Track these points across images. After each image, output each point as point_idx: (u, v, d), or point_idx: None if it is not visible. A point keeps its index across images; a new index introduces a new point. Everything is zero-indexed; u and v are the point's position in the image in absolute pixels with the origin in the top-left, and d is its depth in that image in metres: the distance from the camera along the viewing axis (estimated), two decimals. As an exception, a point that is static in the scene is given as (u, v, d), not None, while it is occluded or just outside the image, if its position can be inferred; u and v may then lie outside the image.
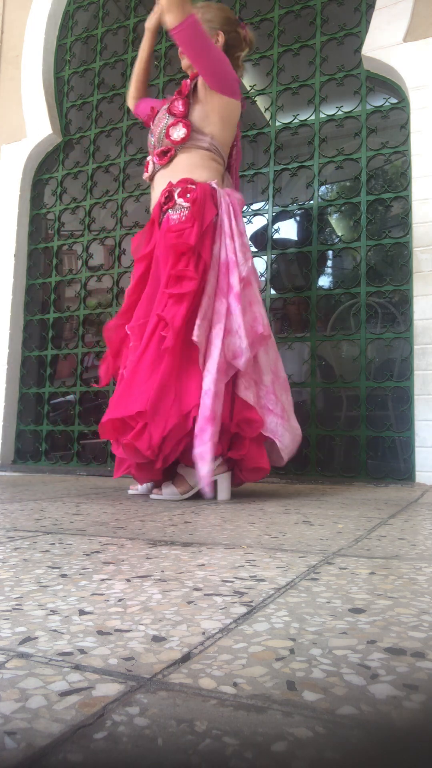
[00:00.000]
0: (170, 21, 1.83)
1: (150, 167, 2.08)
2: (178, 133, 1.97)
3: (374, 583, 0.74)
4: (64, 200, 3.45)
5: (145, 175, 2.11)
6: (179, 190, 1.92)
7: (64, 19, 3.60)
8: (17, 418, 3.33)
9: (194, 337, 1.76)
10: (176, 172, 1.98)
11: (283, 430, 1.92)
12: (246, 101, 2.16)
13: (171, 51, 3.20)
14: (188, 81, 2.01)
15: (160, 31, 2.92)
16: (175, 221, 1.89)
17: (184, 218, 1.87)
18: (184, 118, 1.97)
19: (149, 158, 2.09)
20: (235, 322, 1.83)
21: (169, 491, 1.84)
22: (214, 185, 1.95)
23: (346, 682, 0.44)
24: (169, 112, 2.00)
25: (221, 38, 2.05)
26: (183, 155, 1.99)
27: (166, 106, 2.03)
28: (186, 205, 1.89)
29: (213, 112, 1.99)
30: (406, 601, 0.66)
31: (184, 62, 2.08)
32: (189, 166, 1.98)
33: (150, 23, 2.24)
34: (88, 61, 3.52)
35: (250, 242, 2.53)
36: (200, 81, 1.98)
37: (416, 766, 0.34)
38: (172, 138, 1.98)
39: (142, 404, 1.71)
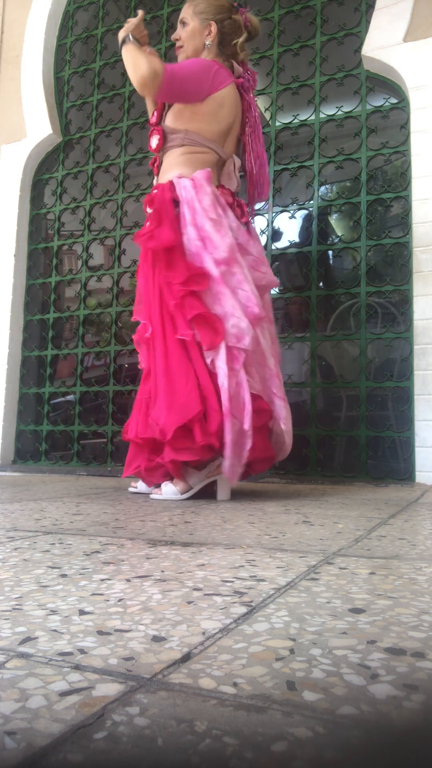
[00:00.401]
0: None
1: (152, 142, 2.09)
2: (154, 141, 2.04)
3: (374, 583, 0.74)
4: (64, 200, 3.45)
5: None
6: (147, 199, 1.98)
7: (64, 19, 3.60)
8: (17, 418, 3.33)
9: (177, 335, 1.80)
10: (162, 178, 2.01)
11: (286, 413, 1.94)
12: (245, 74, 2.12)
13: (170, 51, 3.20)
14: None
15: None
16: (145, 227, 1.91)
17: (148, 223, 1.90)
18: (157, 125, 2.04)
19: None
20: (228, 305, 1.81)
21: (169, 490, 1.84)
22: (175, 180, 1.93)
23: (346, 682, 0.44)
24: (149, 123, 2.10)
25: (213, 29, 2.03)
26: (165, 159, 2.03)
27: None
28: (149, 210, 1.93)
29: (185, 108, 1.98)
30: (406, 601, 0.66)
31: (179, 57, 2.09)
32: (170, 167, 1.99)
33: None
34: (88, 61, 3.52)
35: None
36: None
37: (416, 766, 0.34)
38: (152, 148, 2.05)
39: (196, 406, 1.73)
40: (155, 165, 2.09)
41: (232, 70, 2.07)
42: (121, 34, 1.92)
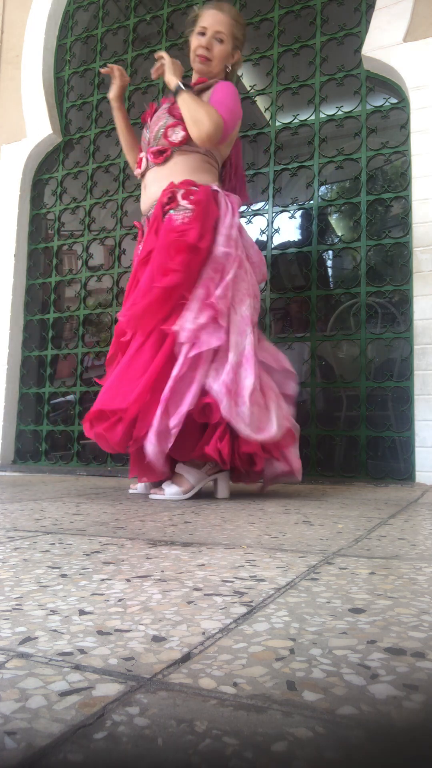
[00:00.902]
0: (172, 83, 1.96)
1: (143, 163, 2.07)
2: (177, 135, 1.97)
3: (374, 583, 0.74)
4: (64, 200, 3.45)
5: (137, 171, 2.12)
6: (182, 191, 1.92)
7: (64, 19, 3.60)
8: (17, 418, 3.33)
9: (174, 327, 1.78)
10: (175, 173, 1.97)
11: (235, 415, 1.77)
12: (246, 103, 2.18)
13: (170, 51, 3.20)
14: (197, 84, 2.05)
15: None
16: (178, 222, 1.89)
17: (187, 220, 1.88)
18: (183, 120, 1.95)
19: (142, 154, 2.08)
20: (193, 308, 1.82)
21: (172, 491, 1.84)
22: (216, 187, 1.97)
23: (346, 682, 0.44)
24: (170, 112, 2.00)
25: (238, 57, 2.11)
26: (180, 157, 1.98)
27: (166, 105, 2.02)
28: (189, 207, 1.89)
29: None
30: (406, 601, 0.66)
31: (198, 66, 2.07)
32: (189, 169, 1.98)
33: (112, 94, 2.27)
34: (88, 61, 3.52)
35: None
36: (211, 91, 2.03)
37: (416, 766, 0.34)
38: (170, 139, 1.98)
39: (125, 402, 1.74)
40: (162, 155, 1.99)
41: None
42: (171, 82, 1.97)
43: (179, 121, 1.96)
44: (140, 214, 2.15)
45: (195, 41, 2.04)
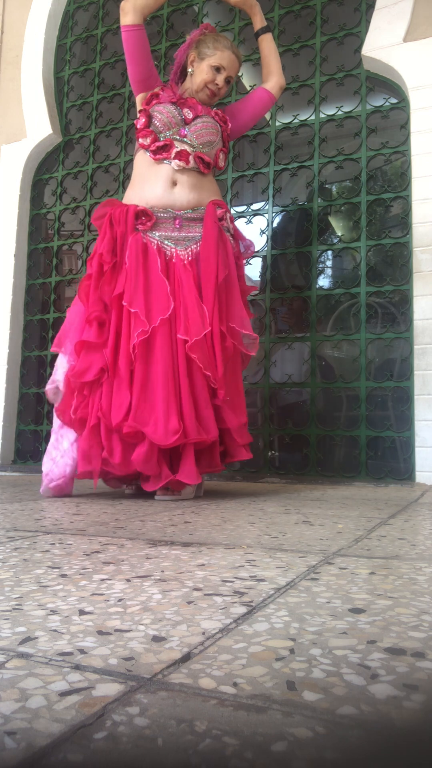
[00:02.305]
0: None
1: (190, 162, 2.00)
2: (222, 162, 2.13)
3: (374, 583, 0.74)
4: (64, 200, 3.45)
5: (179, 164, 2.00)
6: (229, 214, 2.08)
7: (64, 19, 3.60)
8: (17, 418, 3.33)
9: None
10: (212, 191, 2.09)
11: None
12: None
13: (171, 51, 3.20)
14: (227, 119, 2.16)
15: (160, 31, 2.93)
16: (233, 246, 2.06)
17: (240, 254, 2.10)
18: (226, 146, 2.14)
19: (186, 148, 2.00)
20: None
21: (188, 490, 1.86)
22: (231, 215, 2.13)
23: (346, 682, 0.44)
24: (223, 136, 2.11)
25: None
26: (211, 177, 2.12)
27: (215, 123, 2.07)
28: (231, 231, 2.07)
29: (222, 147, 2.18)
30: (406, 601, 0.66)
31: (204, 97, 2.12)
32: (216, 194, 2.12)
33: None
34: (88, 61, 3.52)
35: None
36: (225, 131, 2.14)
37: (416, 766, 0.34)
38: (219, 162, 2.11)
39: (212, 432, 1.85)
40: (208, 167, 2.04)
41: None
42: (263, 20, 2.22)
43: (226, 151, 2.14)
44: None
45: (209, 74, 2.07)
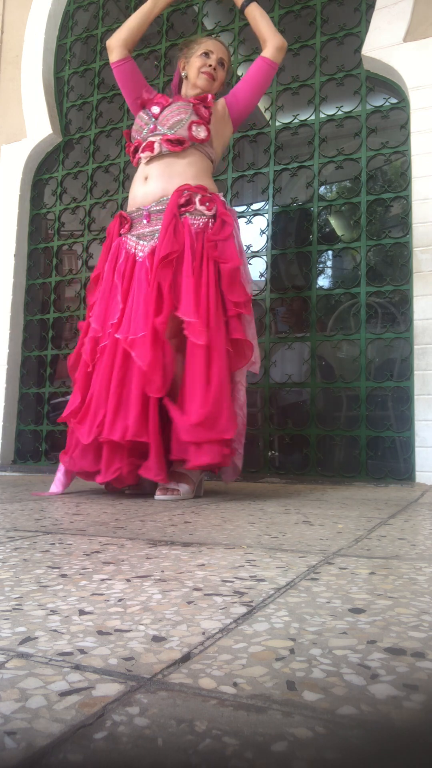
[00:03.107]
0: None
1: (156, 148, 2.00)
2: (201, 133, 2.02)
3: (374, 583, 0.74)
4: (64, 200, 3.45)
5: (147, 155, 2.02)
6: (200, 196, 1.96)
7: (64, 19, 3.60)
8: (17, 418, 3.33)
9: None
10: (188, 171, 2.00)
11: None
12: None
13: (171, 51, 3.20)
14: (210, 97, 2.11)
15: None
16: (198, 227, 1.94)
17: (218, 232, 1.94)
18: (207, 124, 2.05)
19: (154, 139, 2.01)
20: (250, 334, 2.02)
21: (185, 489, 1.85)
22: (223, 198, 2.04)
23: (346, 682, 0.44)
24: (196, 111, 2.04)
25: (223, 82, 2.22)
26: (196, 156, 2.03)
27: (188, 103, 2.06)
28: (207, 213, 1.95)
29: (218, 138, 2.11)
30: (406, 601, 0.66)
31: (203, 83, 2.13)
32: (201, 171, 2.03)
33: None
34: (88, 61, 3.52)
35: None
36: (220, 105, 2.11)
37: (416, 766, 0.34)
38: (192, 133, 2.01)
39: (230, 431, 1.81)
40: (181, 145, 2.00)
41: None
42: None
43: (204, 122, 2.03)
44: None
45: (199, 61, 2.12)
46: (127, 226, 2.04)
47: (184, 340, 1.84)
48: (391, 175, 2.76)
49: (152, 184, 2.01)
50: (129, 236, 2.03)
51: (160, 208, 1.97)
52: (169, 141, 1.99)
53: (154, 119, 2.05)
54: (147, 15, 2.19)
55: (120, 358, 1.85)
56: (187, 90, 2.15)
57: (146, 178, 2.03)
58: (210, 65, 2.12)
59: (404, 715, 0.39)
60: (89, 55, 3.53)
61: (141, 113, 2.10)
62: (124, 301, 1.93)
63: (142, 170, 2.06)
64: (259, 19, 2.17)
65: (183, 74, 2.16)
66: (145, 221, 2.00)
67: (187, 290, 1.84)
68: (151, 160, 2.02)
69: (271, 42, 2.14)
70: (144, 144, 2.04)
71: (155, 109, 2.07)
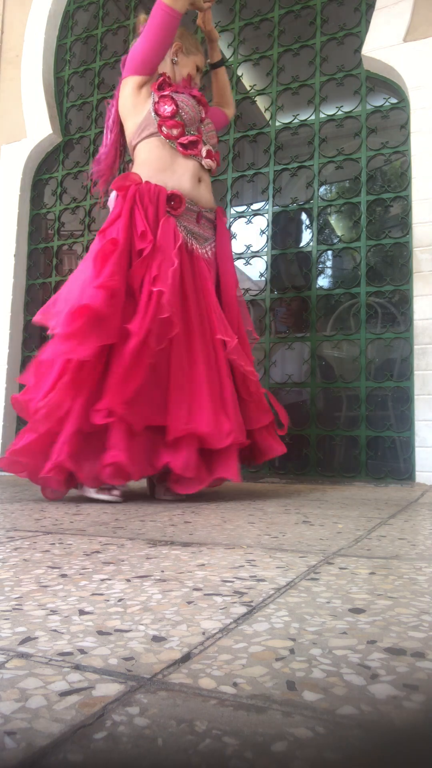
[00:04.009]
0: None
1: (205, 157, 2.04)
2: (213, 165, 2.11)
3: (374, 583, 0.74)
4: (64, 200, 3.45)
5: (210, 164, 2.05)
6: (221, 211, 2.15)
7: (64, 19, 3.60)
8: (17, 418, 3.33)
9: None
10: (211, 199, 2.11)
11: None
12: None
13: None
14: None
15: None
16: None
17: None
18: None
19: (205, 147, 2.03)
20: None
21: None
22: None
23: (346, 682, 0.44)
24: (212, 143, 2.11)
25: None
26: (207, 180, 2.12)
27: (210, 123, 2.12)
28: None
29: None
30: (406, 601, 0.66)
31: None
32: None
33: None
34: (88, 61, 3.52)
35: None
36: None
37: (416, 766, 0.34)
38: (216, 164, 2.11)
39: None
40: (210, 156, 2.05)
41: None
42: (219, 54, 2.32)
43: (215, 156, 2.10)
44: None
45: (193, 71, 2.16)
46: (180, 210, 1.93)
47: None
48: (390, 175, 2.76)
49: (204, 189, 2.04)
50: (179, 222, 1.93)
51: (210, 216, 2.06)
52: (212, 159, 2.06)
53: (201, 122, 2.05)
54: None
55: (222, 360, 1.86)
56: (175, 73, 2.12)
57: (200, 180, 2.02)
58: (196, 82, 2.18)
59: (404, 715, 0.39)
60: (89, 55, 3.53)
61: (191, 101, 2.02)
62: (183, 291, 1.84)
63: (196, 169, 2.01)
64: (228, 83, 2.39)
65: (174, 59, 2.11)
66: (197, 220, 2.00)
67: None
68: (203, 168, 2.04)
69: (232, 111, 2.42)
70: (205, 148, 2.03)
71: (202, 111, 2.07)
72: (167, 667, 0.47)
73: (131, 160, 2.12)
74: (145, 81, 2.00)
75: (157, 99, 1.98)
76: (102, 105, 3.42)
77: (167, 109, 1.96)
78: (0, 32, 3.70)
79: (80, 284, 1.74)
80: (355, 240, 2.69)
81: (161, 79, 2.02)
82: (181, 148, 1.98)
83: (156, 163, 1.96)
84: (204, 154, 2.02)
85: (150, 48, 1.96)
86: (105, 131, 2.21)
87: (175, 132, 1.96)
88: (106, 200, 2.11)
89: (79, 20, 3.59)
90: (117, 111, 2.12)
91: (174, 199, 1.91)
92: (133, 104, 2.01)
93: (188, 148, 1.98)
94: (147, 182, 1.90)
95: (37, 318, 1.85)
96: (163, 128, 1.96)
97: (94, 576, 0.78)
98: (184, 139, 1.98)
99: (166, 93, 1.99)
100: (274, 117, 2.95)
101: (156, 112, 1.97)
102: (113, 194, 1.96)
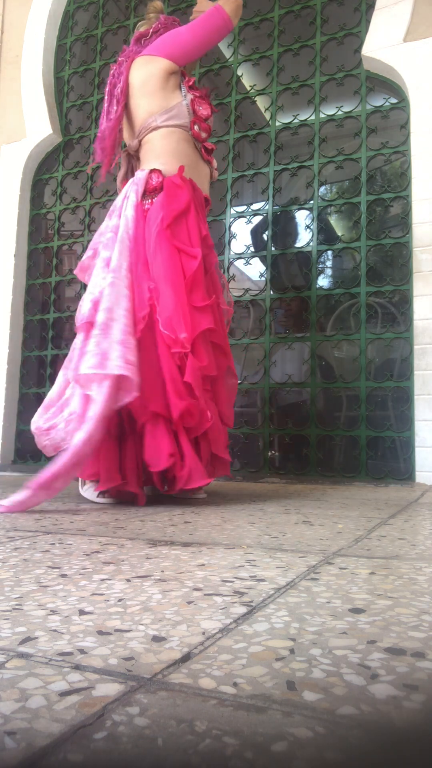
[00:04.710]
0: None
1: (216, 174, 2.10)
2: None
3: (374, 583, 0.74)
4: (64, 200, 3.45)
5: (216, 176, 2.10)
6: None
7: (64, 19, 3.60)
8: (17, 418, 3.33)
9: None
10: None
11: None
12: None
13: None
14: None
15: None
16: None
17: None
18: None
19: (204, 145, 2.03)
20: None
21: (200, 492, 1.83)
22: None
23: (346, 682, 0.44)
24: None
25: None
26: None
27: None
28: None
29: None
30: (406, 601, 0.66)
31: None
32: None
33: None
34: (88, 61, 3.52)
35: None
36: None
37: (416, 766, 0.34)
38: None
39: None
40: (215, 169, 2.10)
41: None
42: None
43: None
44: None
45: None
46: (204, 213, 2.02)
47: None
48: (390, 175, 2.76)
49: (204, 176, 2.05)
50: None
51: None
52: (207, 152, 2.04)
53: (208, 119, 2.05)
54: None
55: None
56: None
57: (201, 169, 2.03)
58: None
59: (404, 715, 0.39)
60: (89, 55, 3.53)
61: (200, 98, 2.02)
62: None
63: (209, 176, 2.06)
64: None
65: None
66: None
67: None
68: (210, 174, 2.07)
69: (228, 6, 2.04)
70: (212, 149, 2.06)
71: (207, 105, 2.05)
72: (167, 667, 0.47)
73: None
74: (175, 71, 1.97)
75: (191, 97, 1.98)
76: (102, 105, 3.41)
77: (203, 111, 1.98)
78: (0, 32, 3.70)
79: (173, 297, 1.74)
80: (355, 240, 2.69)
81: (192, 80, 2.03)
82: (204, 152, 2.01)
83: (185, 159, 1.95)
84: (215, 165, 2.07)
85: (196, 44, 1.96)
86: (108, 100, 2.01)
87: (203, 134, 1.99)
88: (114, 178, 2.06)
89: (79, 20, 3.59)
90: (127, 82, 1.99)
91: (208, 205, 2.04)
92: (160, 86, 1.94)
93: (209, 154, 2.03)
94: (192, 182, 1.94)
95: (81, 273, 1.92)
96: (195, 126, 1.96)
97: (94, 576, 0.78)
98: (208, 144, 2.02)
99: (200, 95, 1.99)
100: (274, 117, 2.95)
101: (192, 107, 1.96)
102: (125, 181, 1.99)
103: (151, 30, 2.05)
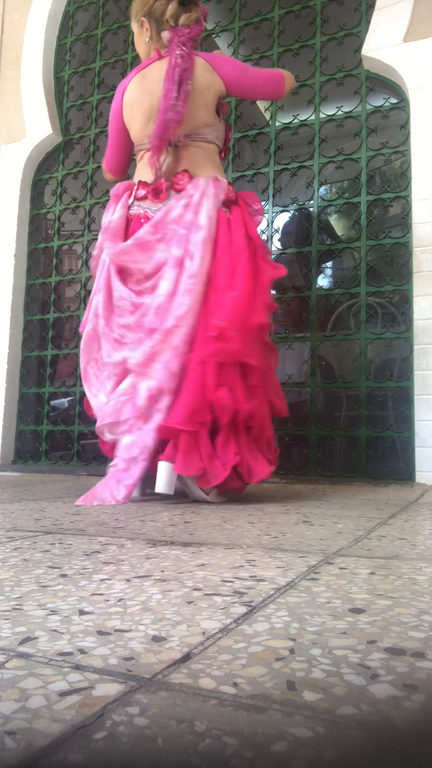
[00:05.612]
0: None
1: None
2: None
3: (374, 583, 0.74)
4: (64, 200, 3.45)
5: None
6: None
7: (64, 19, 3.60)
8: (17, 418, 3.33)
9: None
10: None
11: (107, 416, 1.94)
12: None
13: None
14: None
15: None
16: None
17: None
18: None
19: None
20: None
21: (214, 494, 1.78)
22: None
23: (346, 682, 0.44)
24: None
25: (146, 24, 2.02)
26: None
27: None
28: None
29: None
30: (406, 601, 0.66)
31: None
32: None
33: None
34: (88, 61, 3.52)
35: None
36: None
37: (416, 766, 0.34)
38: None
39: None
40: None
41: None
42: None
43: None
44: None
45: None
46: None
47: None
48: (390, 175, 2.76)
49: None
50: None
51: None
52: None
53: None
54: None
55: None
56: (151, 50, 2.04)
57: None
58: None
59: (404, 715, 0.39)
60: (89, 55, 3.53)
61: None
62: None
63: None
64: None
65: (147, 39, 2.04)
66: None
67: None
68: None
69: None
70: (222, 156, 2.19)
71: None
72: (167, 667, 0.47)
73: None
74: (223, 97, 2.04)
75: (227, 133, 2.11)
76: (102, 105, 3.42)
77: (229, 135, 2.13)
78: (0, 32, 3.70)
79: (243, 297, 1.79)
80: (355, 240, 2.69)
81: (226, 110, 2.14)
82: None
83: (220, 171, 2.05)
84: None
85: (248, 90, 2.05)
86: (174, 88, 1.88)
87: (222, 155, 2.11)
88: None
89: (79, 20, 3.59)
90: (192, 70, 1.92)
91: None
92: (212, 103, 1.99)
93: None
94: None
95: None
96: (221, 153, 2.10)
97: (94, 576, 0.78)
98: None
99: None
100: (274, 117, 2.95)
101: (225, 136, 2.10)
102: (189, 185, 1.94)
103: (199, 16, 2.03)
